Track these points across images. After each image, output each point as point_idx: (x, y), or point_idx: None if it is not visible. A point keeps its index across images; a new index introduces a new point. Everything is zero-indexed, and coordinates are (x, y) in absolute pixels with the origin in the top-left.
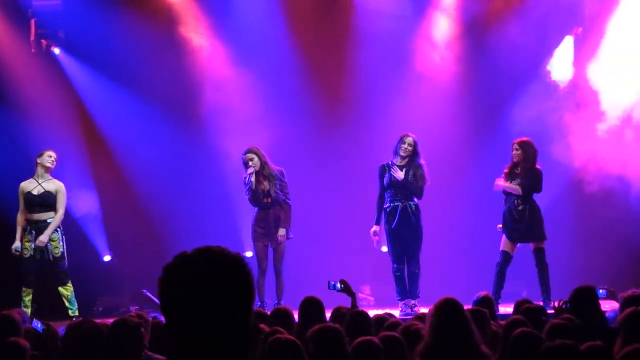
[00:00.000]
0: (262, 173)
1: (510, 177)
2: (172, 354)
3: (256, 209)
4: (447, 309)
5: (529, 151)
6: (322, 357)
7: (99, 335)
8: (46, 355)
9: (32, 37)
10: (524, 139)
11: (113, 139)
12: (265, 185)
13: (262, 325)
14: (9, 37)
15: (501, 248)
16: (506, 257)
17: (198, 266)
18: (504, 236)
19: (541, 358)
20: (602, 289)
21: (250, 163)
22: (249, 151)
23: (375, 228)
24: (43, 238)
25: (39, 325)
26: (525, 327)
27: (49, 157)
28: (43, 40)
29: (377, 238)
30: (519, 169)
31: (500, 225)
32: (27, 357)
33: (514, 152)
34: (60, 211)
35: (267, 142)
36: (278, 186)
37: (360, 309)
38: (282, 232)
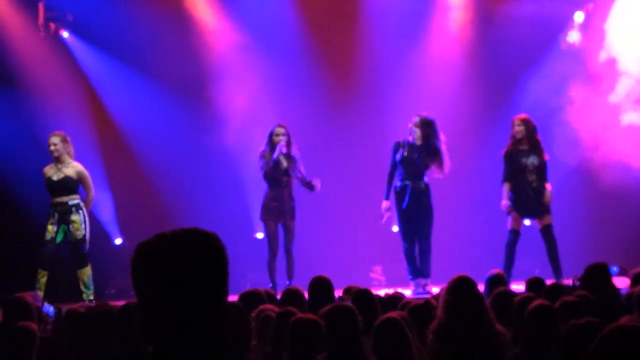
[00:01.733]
0: (286, 152)
1: (521, 154)
2: (146, 334)
3: (268, 187)
4: (461, 287)
5: (530, 127)
6: (335, 335)
7: (111, 318)
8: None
9: (41, 21)
10: (524, 115)
11: (123, 121)
12: (284, 163)
13: (269, 306)
14: (17, 21)
15: (509, 227)
16: (515, 235)
17: (170, 244)
18: (510, 216)
19: (568, 336)
20: (615, 266)
21: (280, 137)
22: (281, 126)
23: (386, 204)
24: (81, 227)
25: (51, 309)
26: (540, 301)
27: (48, 147)
28: (52, 24)
29: (389, 214)
30: (524, 145)
31: (505, 206)
32: (36, 341)
33: (516, 129)
34: (91, 193)
35: (276, 120)
36: (297, 168)
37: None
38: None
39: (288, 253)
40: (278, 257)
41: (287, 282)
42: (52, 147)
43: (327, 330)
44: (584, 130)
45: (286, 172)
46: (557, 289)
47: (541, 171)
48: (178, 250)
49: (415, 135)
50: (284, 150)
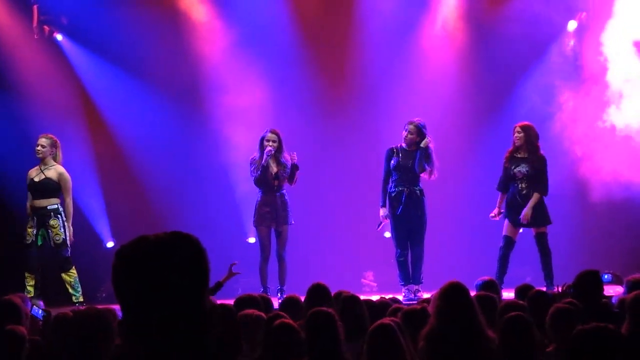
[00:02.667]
0: (275, 156)
1: (514, 161)
2: (128, 338)
3: (260, 192)
4: (453, 293)
5: (531, 135)
6: (316, 340)
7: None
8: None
9: (35, 23)
10: (526, 122)
11: (116, 125)
12: (274, 168)
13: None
14: (11, 23)
15: (504, 233)
16: (509, 242)
17: (151, 247)
18: (506, 221)
19: (573, 341)
20: (608, 273)
21: (271, 143)
22: (273, 132)
23: (383, 211)
24: (61, 231)
25: (39, 312)
26: (519, 311)
27: (36, 146)
28: (45, 27)
29: (387, 221)
30: (521, 153)
31: (493, 214)
32: (24, 344)
33: (516, 136)
34: (68, 199)
35: (270, 126)
36: (287, 172)
37: (361, 294)
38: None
39: (280, 258)
40: (270, 262)
41: (279, 288)
42: (38, 147)
43: (308, 335)
44: (576, 138)
45: (276, 176)
46: (541, 296)
47: (533, 179)
48: (159, 253)
49: (409, 141)
50: (269, 157)
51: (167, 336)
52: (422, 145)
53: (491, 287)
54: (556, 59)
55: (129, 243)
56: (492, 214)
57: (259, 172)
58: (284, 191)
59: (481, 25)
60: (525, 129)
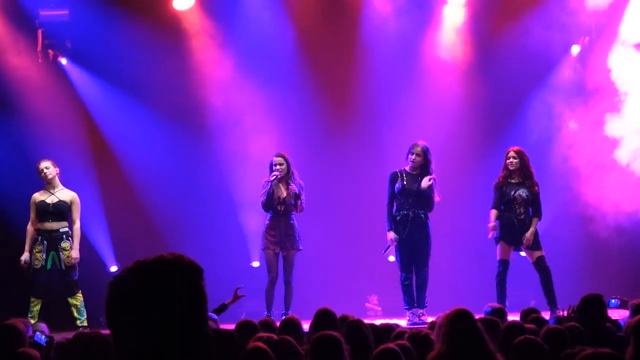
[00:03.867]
0: (286, 180)
1: (510, 186)
2: None
3: (269, 215)
4: (461, 319)
5: (524, 159)
6: None
7: (103, 346)
8: None
9: (39, 47)
10: (518, 147)
11: (119, 148)
12: (283, 192)
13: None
14: (16, 47)
15: (499, 257)
16: (504, 265)
17: (145, 273)
18: (500, 245)
19: None
20: (615, 298)
21: (278, 167)
22: (279, 155)
23: (391, 235)
24: (75, 254)
25: (42, 338)
26: (526, 334)
27: (39, 172)
28: (50, 51)
29: (395, 244)
30: (515, 178)
31: (492, 225)
32: None
33: (510, 161)
34: (77, 222)
35: (273, 148)
36: (295, 197)
37: (365, 318)
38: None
39: (287, 283)
40: (277, 286)
41: (283, 312)
42: (45, 171)
43: (314, 358)
44: (581, 160)
45: (283, 201)
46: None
47: (530, 204)
48: (153, 280)
49: (416, 164)
50: (274, 182)
51: None
52: (423, 186)
53: (500, 315)
54: (560, 82)
55: (122, 271)
56: (491, 225)
57: (264, 197)
58: (293, 215)
59: (485, 46)
60: (519, 153)
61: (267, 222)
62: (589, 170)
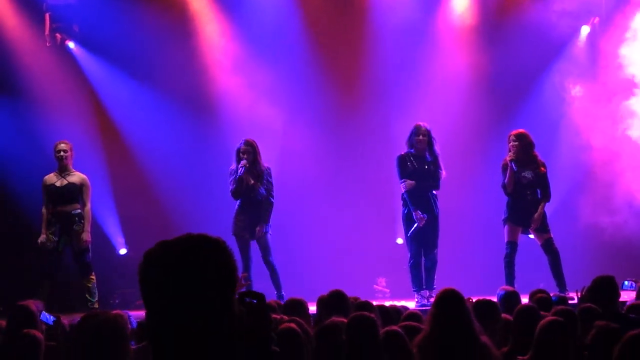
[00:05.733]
0: (251, 169)
1: (516, 167)
2: (154, 344)
3: (238, 202)
4: (447, 299)
5: (526, 143)
6: (356, 344)
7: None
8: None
9: (47, 31)
10: (521, 130)
11: (127, 131)
12: (250, 180)
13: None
14: (24, 31)
15: (507, 239)
16: (513, 247)
17: (178, 251)
18: (508, 226)
19: (623, 348)
20: (630, 280)
21: (244, 156)
22: (246, 143)
23: (419, 214)
24: (86, 237)
25: (50, 318)
26: (552, 316)
27: (56, 153)
28: (57, 34)
29: (424, 218)
30: (519, 160)
31: (505, 218)
32: (41, 348)
33: (511, 144)
34: (88, 204)
35: (281, 134)
36: (264, 184)
37: (374, 300)
38: (261, 228)
39: (268, 265)
40: (256, 271)
41: (277, 294)
42: (61, 153)
43: (349, 337)
44: (591, 143)
45: (252, 188)
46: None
47: (536, 185)
48: (187, 254)
49: (420, 145)
50: (243, 170)
51: (195, 339)
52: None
53: (513, 298)
54: (570, 63)
55: (157, 245)
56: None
57: (235, 184)
58: (261, 200)
59: (494, 29)
60: (519, 137)
61: (236, 208)
62: (602, 150)
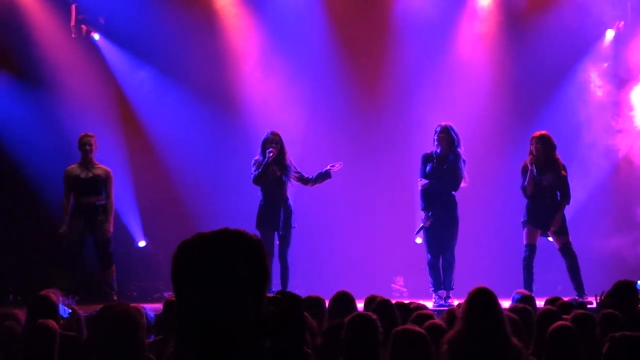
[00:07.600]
0: (278, 159)
1: (537, 170)
2: (180, 337)
3: (261, 197)
4: (480, 297)
5: (548, 145)
6: (356, 344)
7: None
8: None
9: (73, 23)
10: (543, 132)
11: (150, 124)
12: (276, 171)
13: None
14: (49, 22)
15: (526, 242)
16: (532, 250)
17: (214, 245)
18: (526, 230)
19: (611, 349)
20: None
21: (272, 145)
22: (273, 134)
23: (425, 215)
24: (108, 227)
25: (66, 310)
26: (561, 320)
27: (82, 145)
28: (83, 26)
29: (430, 222)
30: (540, 163)
31: (524, 220)
32: (56, 338)
33: (533, 146)
34: (112, 197)
35: (302, 132)
36: (291, 174)
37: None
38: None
39: (282, 260)
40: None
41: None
42: (87, 147)
43: (347, 338)
44: (617, 144)
45: (279, 180)
46: (583, 306)
47: (557, 188)
48: (221, 248)
49: (441, 143)
50: (272, 158)
51: (221, 335)
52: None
53: (529, 302)
54: (594, 66)
55: (193, 237)
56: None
57: (260, 171)
58: (287, 195)
59: (518, 30)
60: (542, 139)
61: (260, 201)
62: (626, 153)
